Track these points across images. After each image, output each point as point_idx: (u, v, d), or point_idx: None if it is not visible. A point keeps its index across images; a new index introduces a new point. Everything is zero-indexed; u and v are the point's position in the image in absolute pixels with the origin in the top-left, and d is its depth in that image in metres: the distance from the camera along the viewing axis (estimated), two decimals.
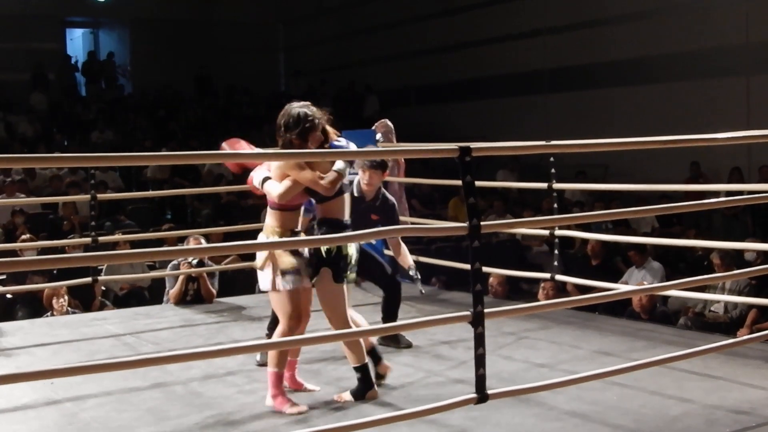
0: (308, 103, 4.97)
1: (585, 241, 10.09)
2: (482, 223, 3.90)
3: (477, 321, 3.89)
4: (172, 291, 8.23)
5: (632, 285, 8.43)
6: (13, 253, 8.72)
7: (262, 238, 4.99)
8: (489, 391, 4.02)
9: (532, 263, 11.20)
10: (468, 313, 3.93)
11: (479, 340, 3.92)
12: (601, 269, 9.50)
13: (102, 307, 9.08)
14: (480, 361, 3.94)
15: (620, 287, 7.41)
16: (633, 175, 13.15)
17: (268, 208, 4.99)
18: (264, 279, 4.95)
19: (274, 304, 5.03)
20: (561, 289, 8.87)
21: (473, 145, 3.96)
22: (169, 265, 8.44)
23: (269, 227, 4.95)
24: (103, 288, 9.38)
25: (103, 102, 20.95)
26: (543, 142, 5.19)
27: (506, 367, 5.63)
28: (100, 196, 8.34)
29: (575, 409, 4.75)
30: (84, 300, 9.00)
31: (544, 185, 7.38)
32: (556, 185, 7.32)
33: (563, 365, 5.71)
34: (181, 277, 8.15)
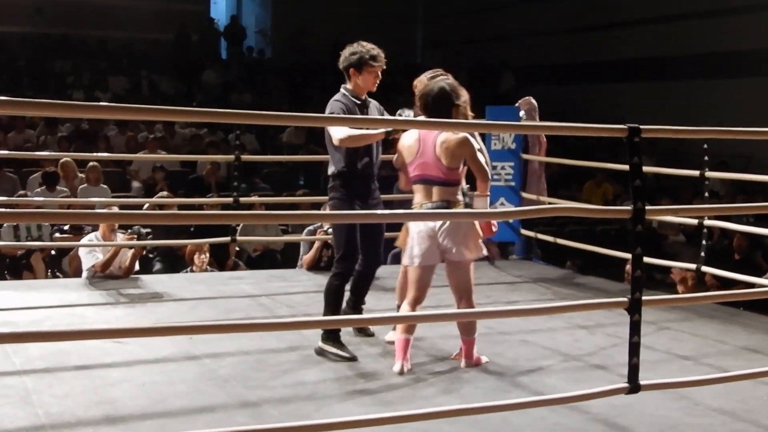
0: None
1: (725, 233, 9.72)
2: (647, 207, 3.74)
3: (634, 308, 3.74)
4: (306, 256, 8.25)
5: None
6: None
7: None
8: (642, 382, 3.87)
9: (667, 252, 10.87)
10: (626, 299, 3.78)
11: (635, 328, 3.77)
12: (742, 264, 9.15)
13: (235, 267, 9.22)
14: (634, 350, 3.80)
15: None
16: None
17: (445, 187, 5.15)
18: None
19: (465, 273, 5.17)
20: (700, 281, 8.55)
21: (643, 126, 3.81)
22: (305, 230, 8.48)
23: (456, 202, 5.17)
24: (237, 248, 9.51)
25: (242, 65, 21.26)
26: (712, 128, 4.95)
27: (648, 357, 5.38)
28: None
29: (723, 406, 4.56)
30: (218, 259, 9.15)
31: (696, 173, 7.09)
32: (709, 173, 7.03)
33: (708, 359, 5.50)
34: (316, 244, 8.16)
